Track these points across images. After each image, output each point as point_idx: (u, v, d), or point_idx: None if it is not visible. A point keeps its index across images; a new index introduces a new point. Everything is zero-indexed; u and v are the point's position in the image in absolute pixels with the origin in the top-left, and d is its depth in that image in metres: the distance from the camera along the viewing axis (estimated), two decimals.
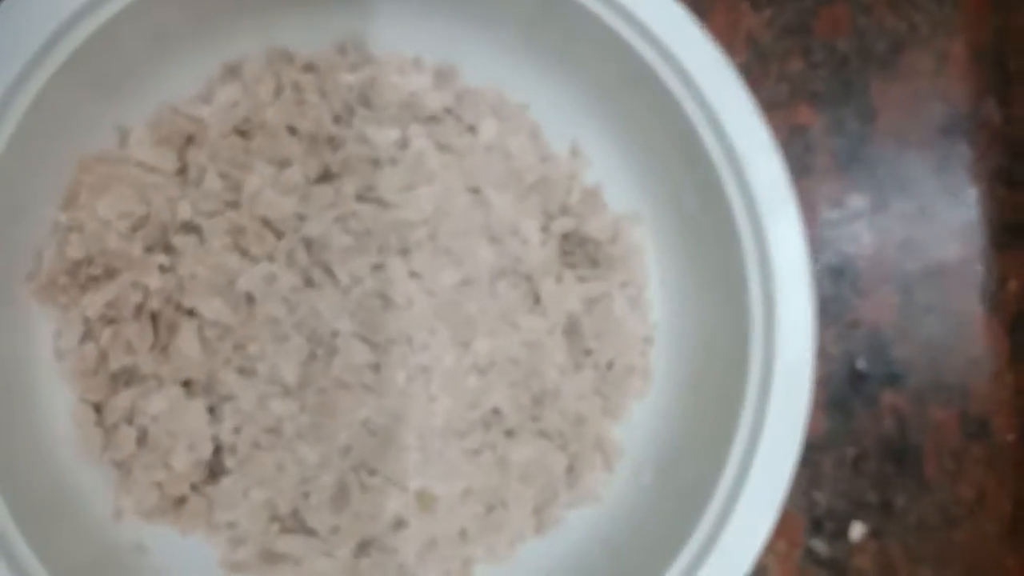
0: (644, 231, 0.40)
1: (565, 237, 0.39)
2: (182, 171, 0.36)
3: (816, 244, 0.45)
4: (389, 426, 0.36)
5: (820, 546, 0.44)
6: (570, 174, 0.40)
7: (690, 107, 0.34)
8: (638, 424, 0.39)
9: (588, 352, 0.39)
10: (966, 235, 0.46)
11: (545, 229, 0.39)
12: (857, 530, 0.44)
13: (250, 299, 0.36)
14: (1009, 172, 0.47)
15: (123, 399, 0.34)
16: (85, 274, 0.35)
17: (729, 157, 0.34)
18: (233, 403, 0.35)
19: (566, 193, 0.39)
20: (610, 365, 0.38)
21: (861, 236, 0.45)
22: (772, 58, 0.45)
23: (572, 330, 0.38)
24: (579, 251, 0.39)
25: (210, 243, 0.35)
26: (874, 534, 0.44)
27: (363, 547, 0.35)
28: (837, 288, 0.45)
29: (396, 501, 0.35)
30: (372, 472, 0.36)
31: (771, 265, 0.33)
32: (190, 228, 0.36)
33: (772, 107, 0.44)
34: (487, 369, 0.37)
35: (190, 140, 0.36)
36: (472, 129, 0.39)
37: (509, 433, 0.37)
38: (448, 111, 0.39)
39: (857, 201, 0.45)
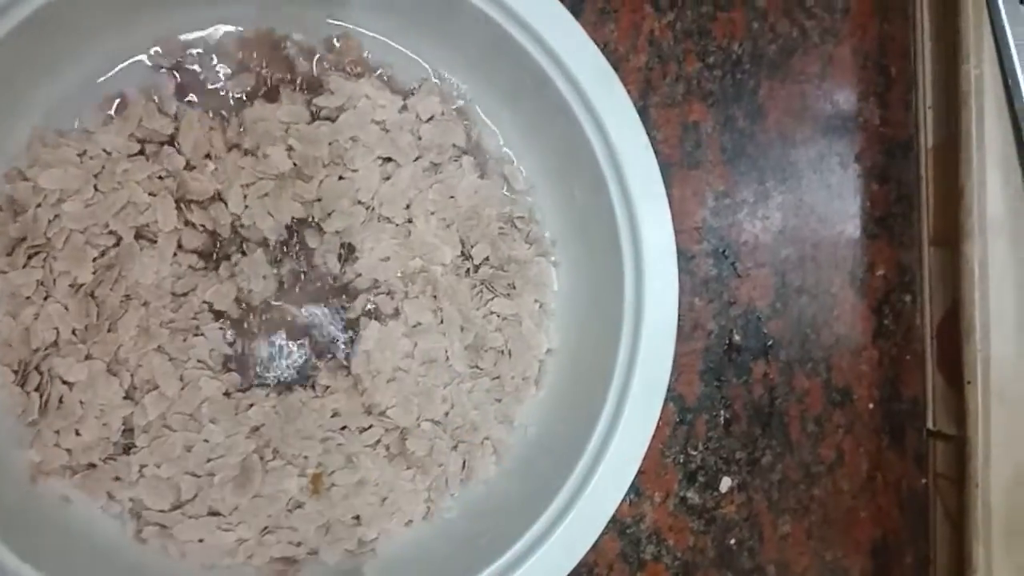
0: (547, 217, 0.39)
1: (486, 260, 0.37)
2: (142, 152, 0.34)
3: (702, 230, 0.44)
4: (295, 414, 0.35)
5: (693, 496, 0.44)
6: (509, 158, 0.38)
7: (580, 112, 0.34)
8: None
9: (490, 366, 0.38)
10: (840, 225, 0.46)
11: (465, 247, 0.37)
12: (726, 483, 0.44)
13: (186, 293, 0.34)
14: (882, 169, 0.46)
15: (45, 364, 0.33)
16: (22, 250, 0.33)
17: (611, 157, 0.34)
18: (152, 385, 0.33)
19: (511, 179, 0.38)
20: (512, 378, 0.38)
21: (743, 224, 0.44)
22: (671, 59, 0.43)
23: (477, 344, 0.37)
24: (500, 272, 0.37)
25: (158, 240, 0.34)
26: (741, 487, 0.44)
27: (265, 529, 0.34)
28: (719, 270, 0.44)
29: (295, 484, 0.35)
30: (276, 453, 0.35)
31: (642, 247, 0.34)
32: (139, 211, 0.34)
33: (668, 104, 0.43)
34: (391, 378, 0.36)
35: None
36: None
37: (406, 433, 0.36)
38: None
39: (741, 192, 0.44)
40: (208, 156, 0.34)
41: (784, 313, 0.45)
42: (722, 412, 0.44)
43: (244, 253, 0.35)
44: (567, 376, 0.38)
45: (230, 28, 0.35)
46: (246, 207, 0.35)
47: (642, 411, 0.34)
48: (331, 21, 0.36)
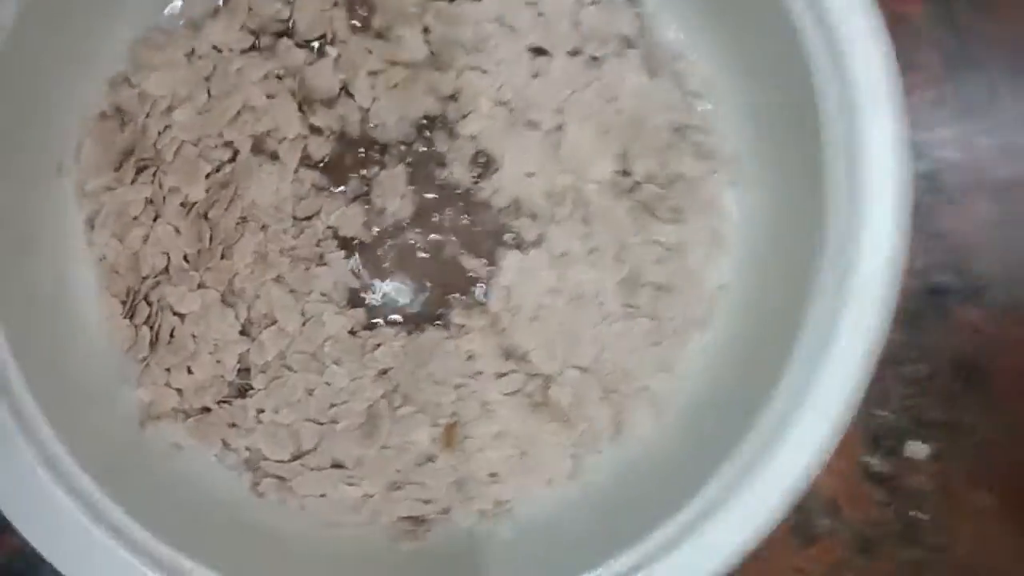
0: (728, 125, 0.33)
1: (649, 177, 0.32)
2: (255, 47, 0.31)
3: (907, 146, 0.37)
4: (427, 356, 0.32)
5: (876, 463, 0.38)
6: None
7: None
8: None
9: (648, 304, 0.33)
10: None
11: (625, 161, 0.32)
12: (918, 448, 0.39)
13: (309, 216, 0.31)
14: None
15: (155, 293, 0.30)
16: (130, 164, 0.30)
17: (827, 42, 0.27)
18: (270, 319, 0.31)
19: (686, 78, 0.32)
20: (673, 319, 0.33)
21: (960, 140, 0.37)
22: None
23: (634, 279, 0.33)
24: (665, 192, 0.33)
25: (279, 159, 0.31)
26: (935, 454, 0.39)
27: (393, 484, 0.32)
28: (926, 195, 0.37)
29: (426, 434, 0.32)
30: (406, 400, 0.32)
31: (860, 167, 0.27)
32: (257, 117, 0.31)
33: None
34: (534, 317, 0.32)
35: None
36: None
37: (549, 381, 0.32)
38: None
39: (960, 103, 0.37)
40: (328, 39, 0.31)
41: (998, 249, 0.38)
42: (919, 365, 0.38)
43: (383, 166, 0.31)
44: (743, 319, 0.33)
45: None
46: (375, 99, 0.31)
47: (846, 368, 0.28)
48: None
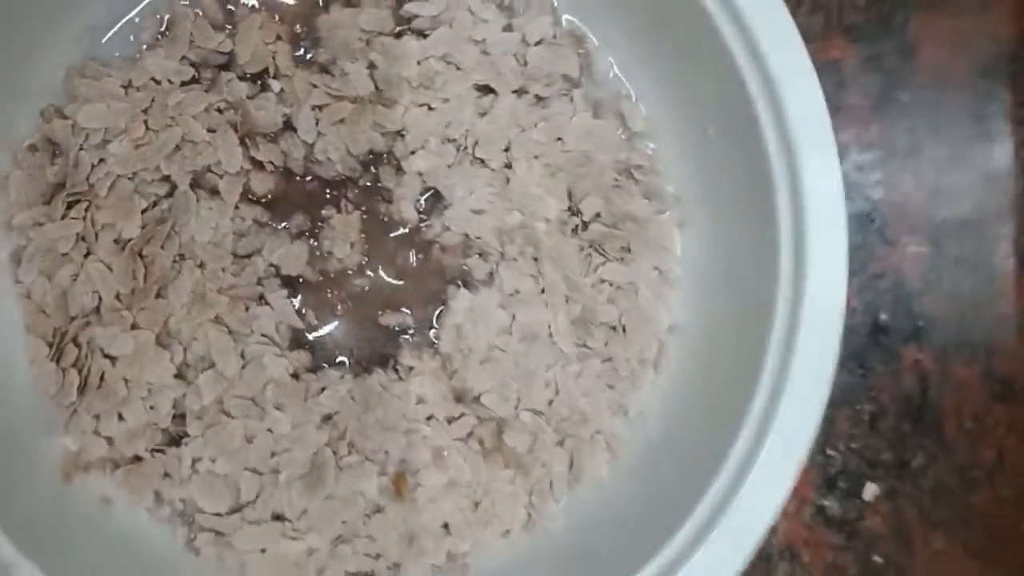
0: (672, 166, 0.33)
1: (597, 216, 0.32)
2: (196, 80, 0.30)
3: (845, 187, 0.38)
4: (375, 400, 0.30)
5: (832, 505, 0.38)
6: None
7: (725, 25, 0.28)
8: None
9: (601, 345, 0.32)
10: (1002, 184, 0.39)
11: (573, 200, 0.32)
12: (871, 490, 0.38)
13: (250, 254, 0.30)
14: None
15: (84, 334, 0.29)
16: (60, 198, 0.29)
17: (765, 81, 0.28)
18: (207, 362, 0.29)
19: (629, 118, 0.32)
20: (627, 360, 0.32)
21: (891, 181, 0.38)
22: None
23: (586, 318, 0.32)
24: (613, 231, 0.33)
25: (219, 194, 0.30)
26: (888, 495, 0.38)
27: (339, 538, 0.30)
28: (863, 236, 0.37)
29: (374, 484, 0.30)
30: (352, 447, 0.30)
31: (804, 206, 0.28)
32: (196, 151, 0.30)
33: (805, 39, 0.35)
34: (486, 358, 0.31)
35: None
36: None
37: (503, 425, 0.31)
38: None
39: (888, 144, 0.38)
40: (271, 73, 0.30)
41: (938, 288, 0.38)
42: (866, 406, 0.38)
43: (336, 206, 0.31)
44: (695, 361, 0.32)
45: None
46: (319, 134, 0.30)
47: (801, 411, 0.27)
48: None
